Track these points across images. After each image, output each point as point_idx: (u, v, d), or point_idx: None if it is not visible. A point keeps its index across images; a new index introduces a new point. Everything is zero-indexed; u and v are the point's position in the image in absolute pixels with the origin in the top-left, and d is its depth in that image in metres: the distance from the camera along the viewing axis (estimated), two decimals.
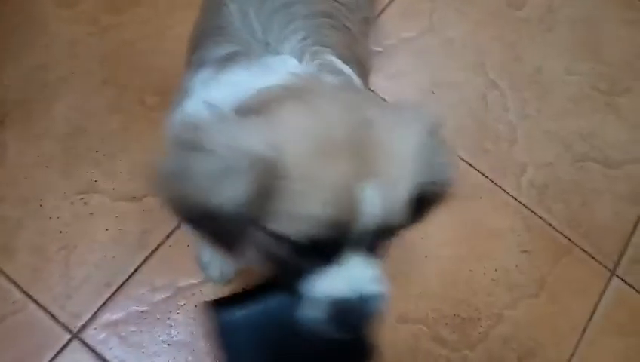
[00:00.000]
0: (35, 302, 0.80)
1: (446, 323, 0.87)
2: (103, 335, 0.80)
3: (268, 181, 0.46)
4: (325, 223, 0.47)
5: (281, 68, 0.60)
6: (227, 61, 0.64)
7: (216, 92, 0.60)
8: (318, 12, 0.69)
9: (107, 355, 0.79)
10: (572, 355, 0.88)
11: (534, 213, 0.96)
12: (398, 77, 1.03)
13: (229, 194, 0.46)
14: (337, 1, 0.72)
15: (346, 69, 0.68)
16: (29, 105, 0.92)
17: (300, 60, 0.63)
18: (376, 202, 0.48)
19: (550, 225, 0.96)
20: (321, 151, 0.47)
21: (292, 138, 0.47)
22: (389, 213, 0.49)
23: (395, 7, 1.09)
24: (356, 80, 0.69)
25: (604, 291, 0.93)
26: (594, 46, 1.12)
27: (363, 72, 0.75)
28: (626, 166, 1.03)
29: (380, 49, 1.02)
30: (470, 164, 0.98)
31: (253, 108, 0.52)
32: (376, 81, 0.99)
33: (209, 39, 0.69)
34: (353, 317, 0.52)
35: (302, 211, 0.47)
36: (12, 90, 0.93)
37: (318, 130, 0.48)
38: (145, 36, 0.98)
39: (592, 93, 1.08)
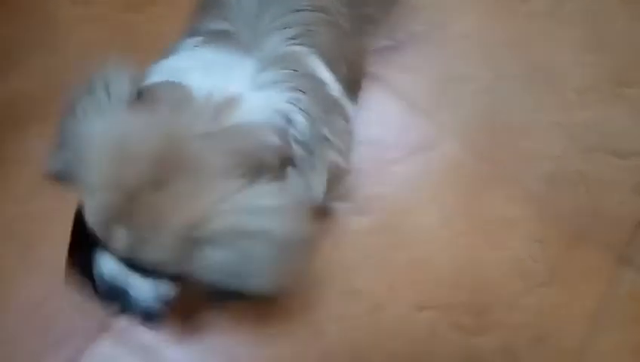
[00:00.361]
0: None
1: (461, 311, 0.89)
2: None
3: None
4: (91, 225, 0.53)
5: (238, 72, 0.61)
6: (216, 37, 0.64)
7: (184, 62, 0.63)
8: (317, 7, 0.68)
9: None
10: (584, 342, 0.91)
11: (546, 203, 0.98)
12: (409, 71, 1.05)
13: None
14: None
15: (324, 74, 0.67)
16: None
17: (264, 68, 0.62)
18: (121, 238, 0.52)
19: (561, 214, 0.98)
20: (111, 157, 0.51)
21: (103, 137, 0.52)
22: (136, 251, 0.53)
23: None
24: (333, 86, 0.68)
25: (615, 280, 0.95)
26: (602, 38, 1.13)
27: (354, 71, 0.76)
28: (635, 156, 1.05)
29: (391, 42, 1.04)
30: (482, 156, 1.00)
31: (141, 96, 0.58)
32: (390, 73, 1.01)
33: (207, 11, 0.69)
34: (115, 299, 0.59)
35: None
36: (27, 90, 0.94)
37: (124, 138, 0.52)
38: (161, 34, 1.00)
39: (601, 85, 1.10)
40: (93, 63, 0.60)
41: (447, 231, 0.93)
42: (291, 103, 0.62)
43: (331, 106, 0.68)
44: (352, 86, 0.76)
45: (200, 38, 0.65)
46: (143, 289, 0.59)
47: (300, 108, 0.62)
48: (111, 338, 0.84)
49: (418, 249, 0.92)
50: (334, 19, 0.71)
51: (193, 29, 0.68)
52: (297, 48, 0.65)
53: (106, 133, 0.52)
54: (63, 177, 0.59)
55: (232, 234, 0.52)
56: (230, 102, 0.57)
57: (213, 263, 0.53)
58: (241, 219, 0.52)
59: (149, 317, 0.61)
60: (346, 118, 0.72)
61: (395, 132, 1.01)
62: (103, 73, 0.58)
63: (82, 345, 0.83)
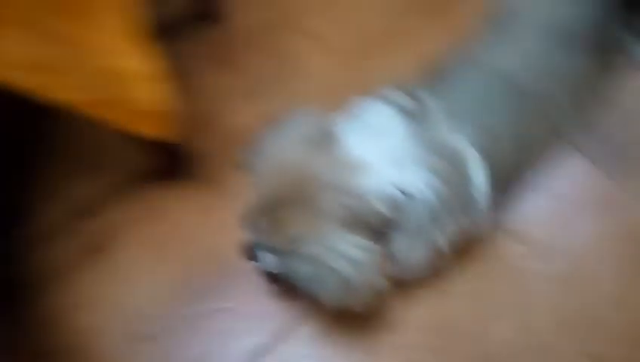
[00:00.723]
0: None
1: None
2: None
3: None
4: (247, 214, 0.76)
5: (390, 143, 0.72)
6: (399, 111, 0.74)
7: (362, 121, 0.75)
8: (504, 123, 0.78)
9: None
10: None
11: None
12: (596, 132, 1.09)
13: None
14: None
15: (476, 174, 0.74)
16: None
17: (415, 148, 0.71)
18: (261, 227, 0.74)
19: None
20: (270, 175, 0.73)
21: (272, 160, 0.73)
22: (267, 238, 0.76)
23: None
24: (480, 188, 0.74)
25: None
26: None
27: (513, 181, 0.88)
28: None
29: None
30: None
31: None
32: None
33: (398, 85, 0.80)
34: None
35: None
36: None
37: (283, 165, 0.71)
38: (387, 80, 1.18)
39: None
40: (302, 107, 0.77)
41: (623, 289, 0.99)
42: (418, 185, 0.70)
43: (466, 202, 0.75)
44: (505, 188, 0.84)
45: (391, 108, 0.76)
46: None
47: (425, 192, 0.71)
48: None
49: (590, 300, 0.99)
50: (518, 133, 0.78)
51: (382, 93, 0.79)
52: (461, 143, 0.73)
53: (275, 158, 0.73)
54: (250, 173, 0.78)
55: (316, 260, 0.69)
56: (362, 167, 0.69)
57: (298, 271, 0.72)
58: (325, 254, 0.68)
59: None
60: (477, 215, 0.78)
61: (579, 188, 1.08)
62: (297, 115, 0.77)
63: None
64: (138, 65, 0.70)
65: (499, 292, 1.00)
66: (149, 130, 0.82)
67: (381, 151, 0.71)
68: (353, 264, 0.69)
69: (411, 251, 0.77)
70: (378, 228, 0.72)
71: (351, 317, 0.91)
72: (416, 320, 0.99)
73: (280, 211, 0.70)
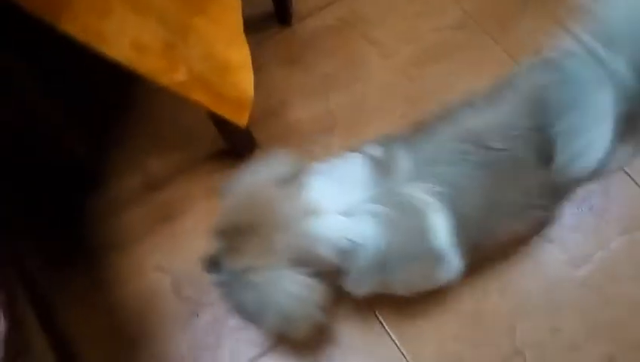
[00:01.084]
0: None
1: None
2: None
3: None
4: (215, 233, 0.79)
5: (351, 195, 0.74)
6: (369, 162, 0.78)
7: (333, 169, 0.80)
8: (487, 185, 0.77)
9: None
10: None
11: None
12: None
13: None
14: None
15: (436, 227, 0.75)
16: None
17: (374, 200, 0.74)
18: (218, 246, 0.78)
19: None
20: (233, 203, 0.78)
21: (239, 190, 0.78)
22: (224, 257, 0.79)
23: None
24: (439, 237, 0.75)
25: None
26: None
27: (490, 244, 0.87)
28: None
29: None
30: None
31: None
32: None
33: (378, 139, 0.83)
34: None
35: None
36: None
37: (247, 197, 0.76)
38: (438, 89, 1.27)
39: None
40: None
41: None
42: (370, 235, 0.73)
43: (421, 250, 0.77)
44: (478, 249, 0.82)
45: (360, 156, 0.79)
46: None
47: (376, 242, 0.73)
48: None
49: (620, 308, 1.05)
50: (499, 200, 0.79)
51: (361, 146, 0.82)
52: (424, 197, 0.74)
53: (239, 191, 0.78)
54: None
55: (259, 290, 0.74)
56: (316, 213, 0.73)
57: (242, 297, 0.76)
58: (269, 286, 0.73)
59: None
60: (438, 265, 0.79)
61: (619, 204, 1.14)
62: (274, 156, 0.82)
63: None
64: (239, 56, 0.81)
65: (532, 294, 1.07)
66: (231, 113, 0.92)
67: (338, 200, 0.75)
68: (293, 299, 0.74)
69: (361, 289, 0.82)
70: (325, 269, 0.77)
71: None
72: (453, 312, 1.06)
73: (237, 239, 0.75)
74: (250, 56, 0.86)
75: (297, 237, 0.73)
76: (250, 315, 0.78)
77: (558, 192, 0.86)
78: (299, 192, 0.76)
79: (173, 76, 0.79)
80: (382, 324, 1.05)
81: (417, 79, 1.28)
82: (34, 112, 0.96)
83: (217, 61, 0.80)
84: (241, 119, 0.93)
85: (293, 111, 1.27)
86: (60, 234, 1.15)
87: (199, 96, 0.85)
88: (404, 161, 0.76)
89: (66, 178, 1.19)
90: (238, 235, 0.74)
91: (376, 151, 0.79)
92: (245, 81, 0.86)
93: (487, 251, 0.98)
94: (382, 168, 0.77)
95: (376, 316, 1.05)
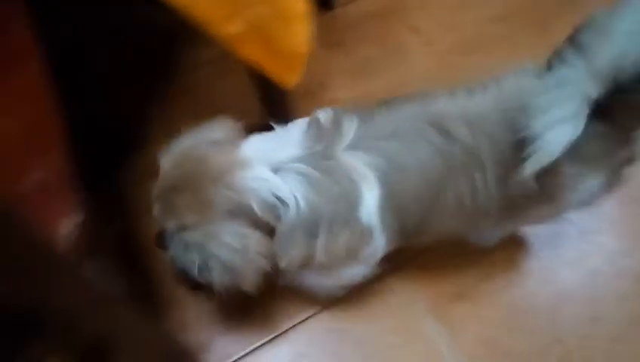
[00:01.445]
0: None
1: None
2: None
3: None
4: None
5: (283, 149, 0.75)
6: (314, 129, 0.77)
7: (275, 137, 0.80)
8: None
9: None
10: None
11: None
12: None
13: None
14: None
15: (366, 197, 0.73)
16: None
17: (305, 161, 0.74)
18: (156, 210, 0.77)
19: None
20: (169, 164, 0.76)
21: (174, 153, 0.77)
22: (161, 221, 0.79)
23: None
24: (368, 211, 0.74)
25: None
26: None
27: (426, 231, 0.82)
28: None
29: None
30: None
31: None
32: None
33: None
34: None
35: None
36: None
37: (180, 158, 0.76)
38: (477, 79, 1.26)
39: None
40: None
41: None
42: (295, 194, 0.73)
43: (346, 221, 0.75)
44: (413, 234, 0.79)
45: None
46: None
47: (302, 202, 0.73)
48: None
49: None
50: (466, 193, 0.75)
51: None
52: (359, 167, 0.73)
53: (176, 152, 0.77)
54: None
55: (198, 247, 0.73)
56: (246, 166, 0.73)
57: (184, 257, 0.75)
58: (208, 242, 0.72)
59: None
60: (364, 240, 0.77)
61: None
62: (213, 123, 0.81)
63: None
64: (301, 4, 0.80)
65: (573, 283, 1.05)
66: (281, 71, 0.90)
67: (269, 156, 0.75)
68: (233, 250, 0.73)
69: (288, 251, 0.78)
70: (260, 221, 0.75)
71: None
72: (494, 295, 1.04)
73: (173, 198, 0.74)
74: (311, 8, 0.84)
75: (228, 188, 0.73)
76: (197, 275, 0.76)
77: (509, 208, 0.79)
78: (232, 149, 0.77)
79: (227, 27, 0.78)
80: (422, 305, 1.03)
81: (457, 68, 1.29)
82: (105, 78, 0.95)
83: (278, 6, 0.78)
84: (292, 78, 0.91)
85: (332, 92, 1.27)
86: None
87: (251, 50, 0.83)
88: (349, 129, 0.75)
89: (105, 144, 1.18)
90: (173, 194, 0.74)
91: (325, 116, 0.78)
92: (303, 33, 0.84)
93: (420, 245, 0.96)
94: (323, 132, 0.76)
95: (416, 297, 1.04)
